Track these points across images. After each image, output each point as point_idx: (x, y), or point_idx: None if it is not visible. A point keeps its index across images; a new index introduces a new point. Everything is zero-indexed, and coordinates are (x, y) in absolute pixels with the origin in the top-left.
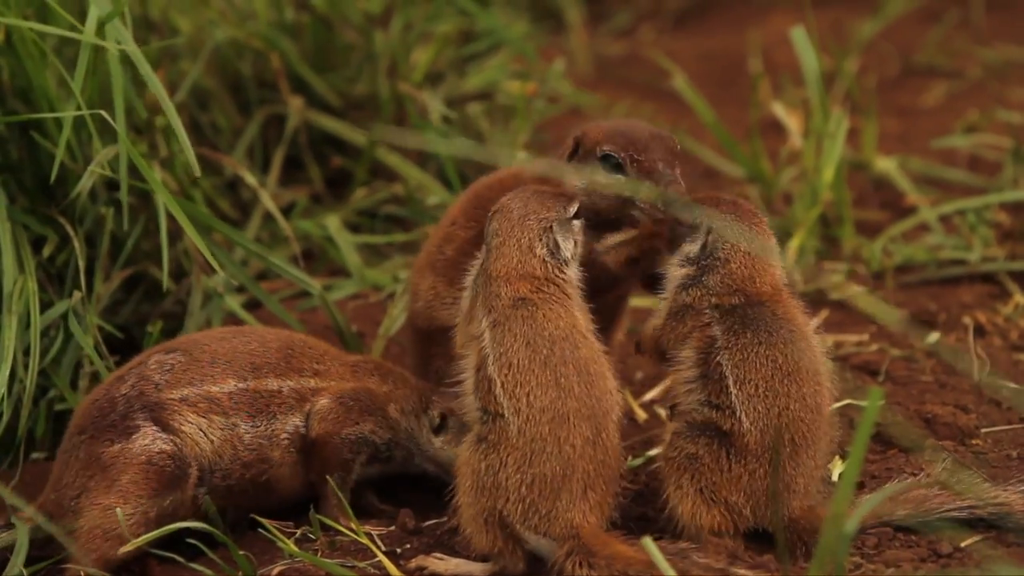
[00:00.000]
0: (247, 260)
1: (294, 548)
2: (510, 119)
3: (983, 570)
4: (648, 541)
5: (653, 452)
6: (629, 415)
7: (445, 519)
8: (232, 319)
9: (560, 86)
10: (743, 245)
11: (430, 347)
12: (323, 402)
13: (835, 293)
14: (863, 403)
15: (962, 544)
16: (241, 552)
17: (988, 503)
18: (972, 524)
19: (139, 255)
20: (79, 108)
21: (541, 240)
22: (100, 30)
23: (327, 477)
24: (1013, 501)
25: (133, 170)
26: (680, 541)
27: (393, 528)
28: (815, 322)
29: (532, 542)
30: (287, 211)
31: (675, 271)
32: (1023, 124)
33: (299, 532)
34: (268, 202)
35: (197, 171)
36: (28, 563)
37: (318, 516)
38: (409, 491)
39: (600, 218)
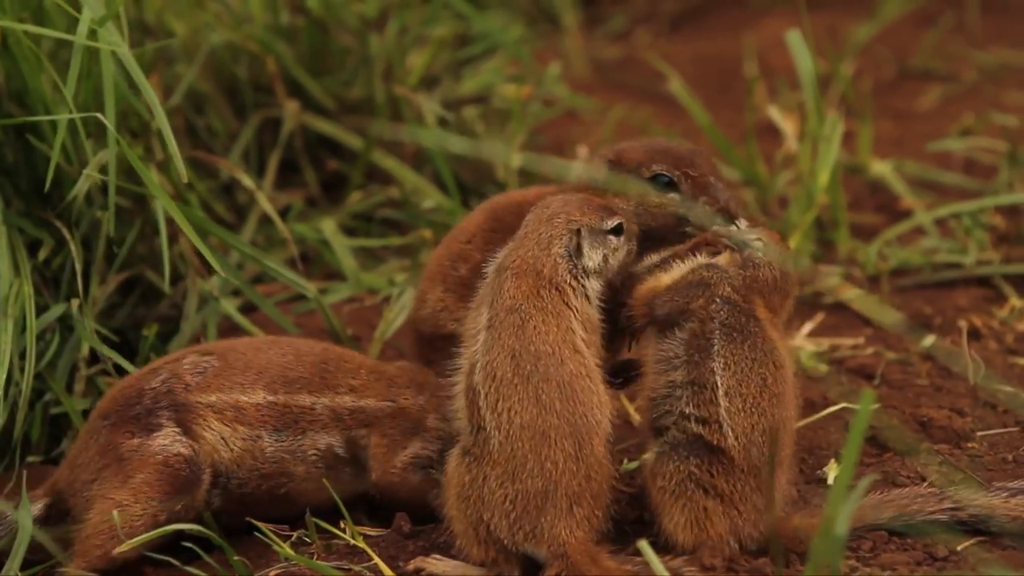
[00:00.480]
0: (243, 264)
1: (290, 552)
2: (506, 122)
3: (978, 573)
4: (644, 545)
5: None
6: (624, 417)
7: (443, 523)
8: (228, 323)
9: (556, 89)
10: (778, 264)
11: (432, 352)
12: (372, 441)
13: (833, 295)
14: (857, 406)
15: (958, 548)
16: (237, 557)
17: (970, 506)
18: (961, 526)
19: (135, 259)
20: (72, 111)
21: (562, 240)
22: (93, 33)
23: (429, 505)
24: (996, 505)
25: (129, 173)
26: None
27: (390, 531)
28: (809, 326)
29: (529, 550)
30: (283, 214)
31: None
32: (1018, 127)
33: (295, 536)
34: (265, 204)
35: (185, 176)
36: (25, 566)
37: (314, 520)
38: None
39: (648, 236)
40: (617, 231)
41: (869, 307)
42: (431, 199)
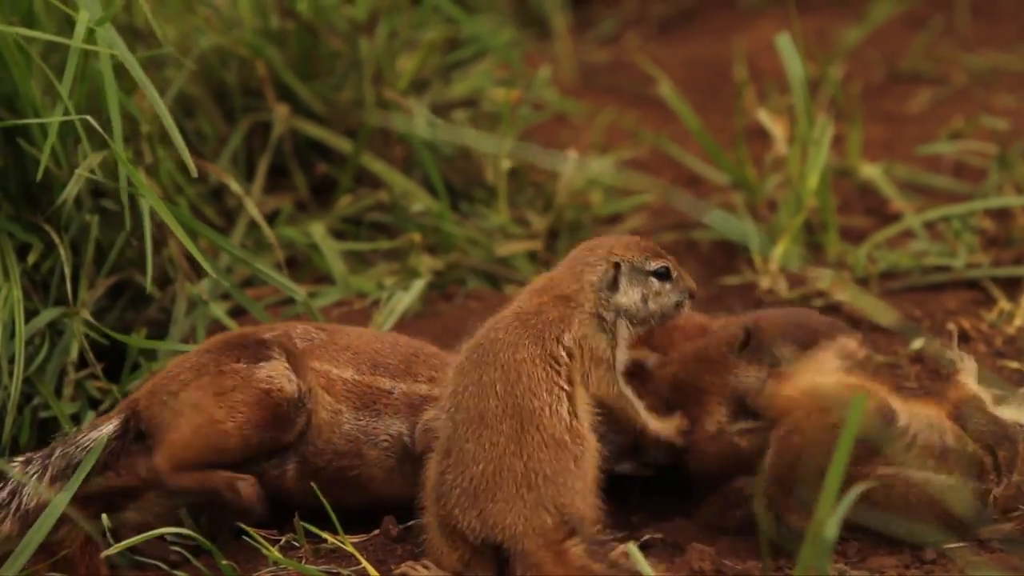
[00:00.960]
0: (232, 267)
1: (278, 555)
2: (495, 126)
3: (968, 571)
4: (633, 548)
5: None
6: None
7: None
8: (217, 327)
9: (545, 93)
10: None
11: None
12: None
13: (824, 298)
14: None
15: (946, 549)
16: (225, 561)
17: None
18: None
19: (124, 263)
20: (66, 113)
21: (596, 270)
22: (90, 35)
23: None
24: None
25: (117, 177)
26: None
27: (377, 535)
28: None
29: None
30: (272, 218)
31: None
32: (1008, 130)
33: (284, 539)
34: (253, 209)
35: (194, 171)
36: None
37: (302, 524)
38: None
39: None
40: (662, 275)
41: (866, 305)
42: (420, 203)
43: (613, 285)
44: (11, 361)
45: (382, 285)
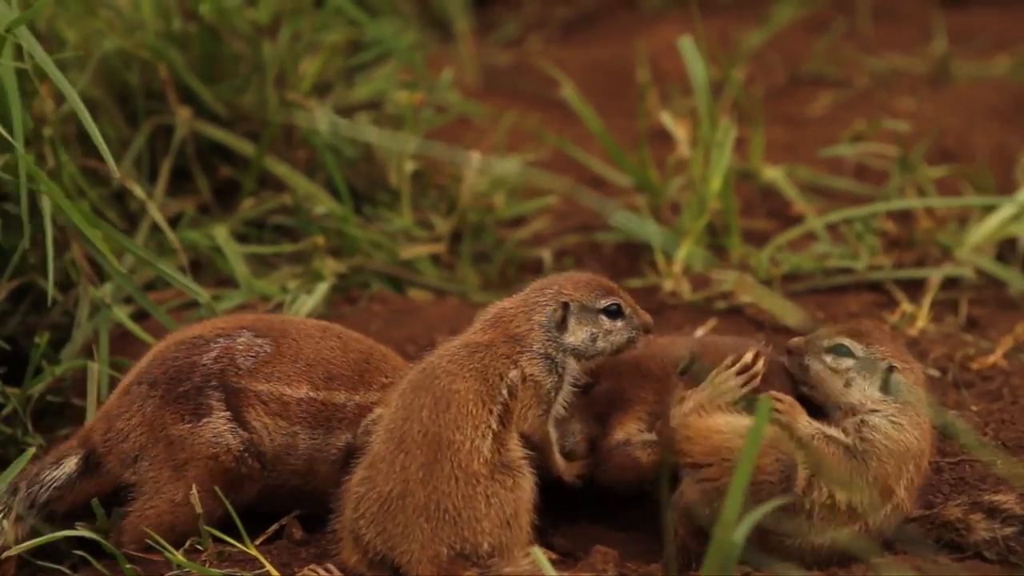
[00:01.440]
0: (135, 270)
1: (182, 559)
2: (399, 128)
3: (872, 572)
4: (538, 551)
5: None
6: None
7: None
8: (120, 330)
9: (448, 95)
10: None
11: None
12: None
13: (730, 298)
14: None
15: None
16: (129, 565)
17: None
18: None
19: (26, 266)
20: None
21: (545, 310)
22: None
23: None
24: None
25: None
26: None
27: (282, 539)
28: (701, 332)
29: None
30: (175, 221)
31: None
32: (910, 133)
33: (188, 543)
34: (155, 213)
35: (116, 172)
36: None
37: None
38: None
39: None
40: (613, 312)
41: (772, 305)
42: (323, 205)
43: (562, 325)
44: None
45: (286, 288)
